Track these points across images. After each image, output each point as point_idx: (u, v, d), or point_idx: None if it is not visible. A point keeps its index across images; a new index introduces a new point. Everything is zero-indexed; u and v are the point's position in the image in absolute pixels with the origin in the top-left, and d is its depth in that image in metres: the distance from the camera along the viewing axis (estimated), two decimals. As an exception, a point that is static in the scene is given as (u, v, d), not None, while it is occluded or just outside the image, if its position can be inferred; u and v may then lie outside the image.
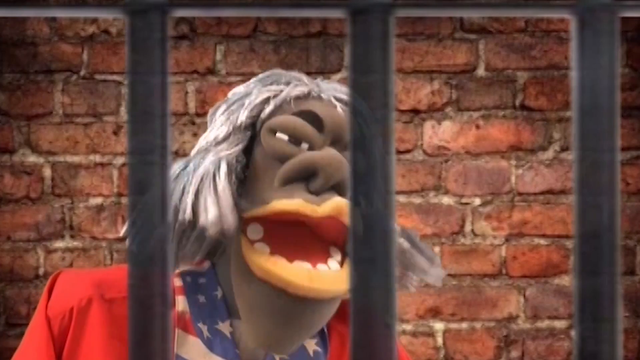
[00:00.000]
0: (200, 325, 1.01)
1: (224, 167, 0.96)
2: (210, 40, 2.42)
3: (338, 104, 0.99)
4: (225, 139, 0.99)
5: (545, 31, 2.43)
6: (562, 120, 2.43)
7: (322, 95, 1.00)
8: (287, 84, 1.00)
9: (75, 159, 2.41)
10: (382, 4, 0.37)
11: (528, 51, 2.43)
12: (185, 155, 2.32)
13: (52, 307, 1.01)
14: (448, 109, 2.42)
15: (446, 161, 2.42)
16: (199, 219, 0.95)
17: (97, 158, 2.41)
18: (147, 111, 0.37)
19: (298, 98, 0.99)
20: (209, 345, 1.00)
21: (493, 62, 2.43)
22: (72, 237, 2.40)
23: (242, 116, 0.99)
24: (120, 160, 2.41)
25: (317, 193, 0.93)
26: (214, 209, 0.94)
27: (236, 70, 2.41)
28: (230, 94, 1.04)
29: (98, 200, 2.40)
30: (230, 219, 0.94)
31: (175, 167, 0.99)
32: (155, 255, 0.37)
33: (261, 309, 0.93)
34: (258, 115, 1.00)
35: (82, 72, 2.42)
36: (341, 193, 0.95)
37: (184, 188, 0.96)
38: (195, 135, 2.40)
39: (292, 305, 0.92)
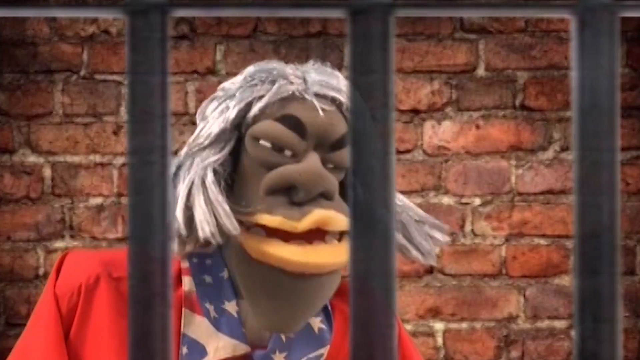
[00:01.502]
0: (207, 305, 1.02)
1: (210, 176, 0.97)
2: (210, 40, 2.42)
3: (321, 105, 0.98)
4: (212, 143, 0.99)
5: (545, 31, 2.43)
6: (562, 120, 2.43)
7: (306, 95, 0.98)
8: (273, 82, 1.00)
9: (75, 159, 2.41)
10: (382, 4, 0.37)
11: (528, 51, 2.43)
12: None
13: (60, 285, 1.02)
14: (448, 109, 2.42)
15: (446, 161, 2.42)
16: (195, 231, 0.96)
17: (97, 158, 2.41)
18: (147, 111, 0.37)
19: (281, 100, 0.98)
20: (216, 324, 1.01)
21: (493, 62, 2.43)
22: (72, 237, 2.40)
23: (227, 120, 0.99)
24: (120, 160, 2.41)
25: (300, 204, 0.95)
26: (212, 219, 0.95)
27: (236, 70, 2.41)
28: (219, 90, 1.04)
29: (98, 200, 2.40)
30: (230, 226, 0.95)
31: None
32: (155, 255, 0.37)
33: (262, 291, 0.95)
34: (244, 116, 1.00)
35: (82, 72, 2.42)
36: (330, 199, 0.95)
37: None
38: (195, 135, 2.40)
39: (291, 283, 0.94)
